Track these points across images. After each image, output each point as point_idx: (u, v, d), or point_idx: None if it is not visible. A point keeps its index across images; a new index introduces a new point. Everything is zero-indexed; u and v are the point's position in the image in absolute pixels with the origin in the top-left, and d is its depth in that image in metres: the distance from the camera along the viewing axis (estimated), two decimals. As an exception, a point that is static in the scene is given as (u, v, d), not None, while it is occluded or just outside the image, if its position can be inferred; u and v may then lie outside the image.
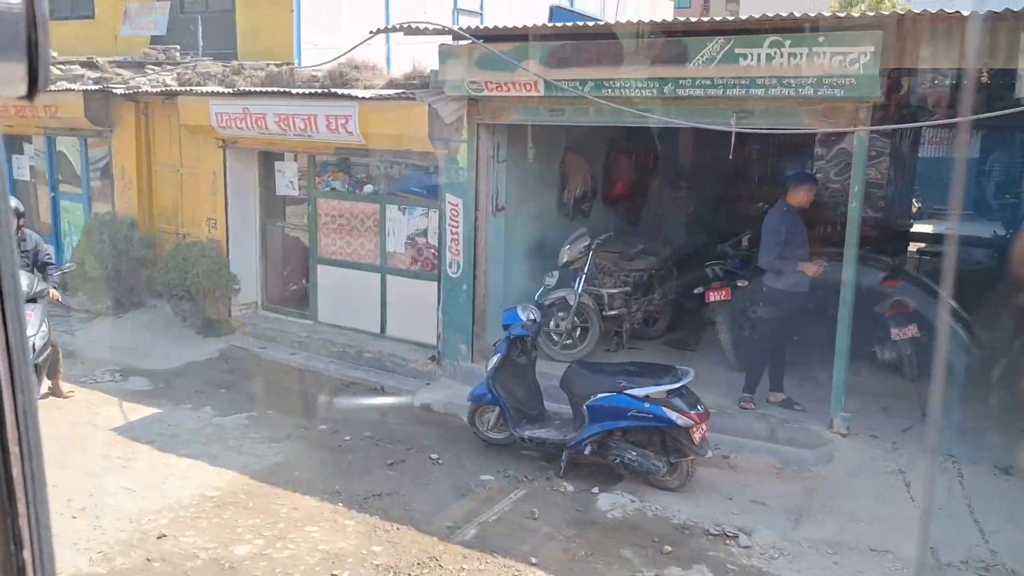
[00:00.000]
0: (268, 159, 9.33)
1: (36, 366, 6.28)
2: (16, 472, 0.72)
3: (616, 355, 7.98)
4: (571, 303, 7.64)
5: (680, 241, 9.65)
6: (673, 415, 5.54)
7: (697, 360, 7.61)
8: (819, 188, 6.94)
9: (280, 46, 13.39)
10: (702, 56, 5.84)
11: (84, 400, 7.20)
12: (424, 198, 8.25)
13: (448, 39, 7.11)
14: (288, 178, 9.20)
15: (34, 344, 6.23)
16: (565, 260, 7.75)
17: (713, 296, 7.49)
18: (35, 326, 6.29)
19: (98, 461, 5.99)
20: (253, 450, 6.29)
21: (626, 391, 5.68)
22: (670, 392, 5.60)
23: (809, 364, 7.35)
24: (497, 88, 6.76)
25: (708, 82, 5.90)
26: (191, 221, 9.77)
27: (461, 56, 6.85)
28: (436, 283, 7.98)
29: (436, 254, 8.02)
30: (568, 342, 7.80)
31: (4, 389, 0.71)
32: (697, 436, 5.63)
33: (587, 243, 7.73)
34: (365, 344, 8.37)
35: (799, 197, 6.59)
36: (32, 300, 6.30)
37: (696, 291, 7.72)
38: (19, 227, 6.44)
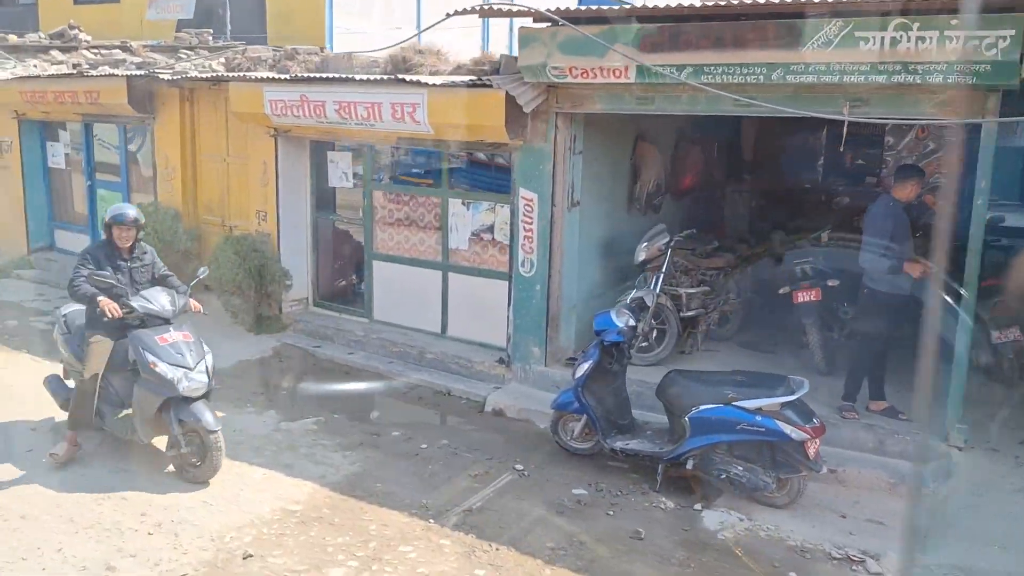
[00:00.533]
0: (320, 149, 8.92)
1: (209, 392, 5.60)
2: None
3: (691, 357, 7.58)
4: (648, 304, 7.21)
5: (752, 237, 9.22)
6: (788, 429, 5.15)
7: (777, 363, 7.21)
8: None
9: (311, 30, 12.98)
10: (818, 39, 5.40)
11: (141, 402, 6.83)
12: (490, 192, 7.83)
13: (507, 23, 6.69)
14: (341, 169, 8.79)
15: (207, 367, 5.56)
16: (642, 258, 7.32)
17: (802, 296, 7.06)
18: (200, 346, 5.60)
19: (167, 469, 5.63)
20: (327, 459, 5.92)
21: (735, 403, 5.29)
22: (784, 404, 5.21)
23: (902, 369, 6.92)
24: (583, 74, 6.31)
25: (823, 67, 5.46)
26: (239, 213, 9.39)
27: (543, 39, 6.41)
28: (504, 282, 7.57)
29: (504, 251, 7.61)
30: (644, 344, 7.39)
31: None
32: (811, 451, 5.24)
33: (666, 240, 7.30)
34: (427, 345, 7.98)
35: (906, 191, 6.17)
36: (165, 320, 5.58)
37: (782, 291, 7.28)
38: (137, 239, 5.76)
